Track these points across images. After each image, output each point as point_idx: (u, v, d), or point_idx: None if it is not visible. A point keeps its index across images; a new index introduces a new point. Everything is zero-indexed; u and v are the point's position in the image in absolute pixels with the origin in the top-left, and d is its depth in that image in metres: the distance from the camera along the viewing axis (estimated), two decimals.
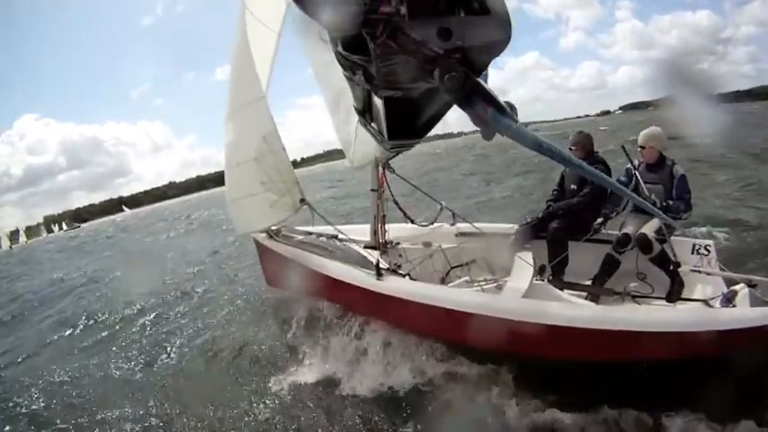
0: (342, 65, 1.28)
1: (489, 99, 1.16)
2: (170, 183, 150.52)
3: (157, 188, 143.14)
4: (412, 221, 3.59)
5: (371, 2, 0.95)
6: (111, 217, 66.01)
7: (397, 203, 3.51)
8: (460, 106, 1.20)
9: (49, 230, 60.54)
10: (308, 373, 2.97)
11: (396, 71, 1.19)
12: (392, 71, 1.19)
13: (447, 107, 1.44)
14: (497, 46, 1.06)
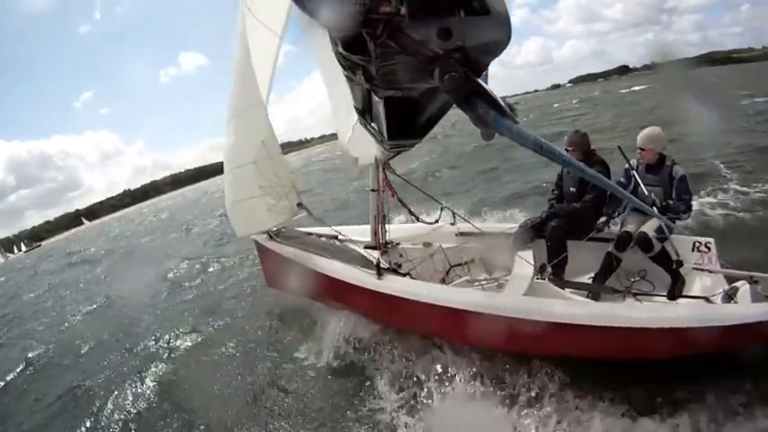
0: (342, 65, 1.27)
1: (489, 99, 1.16)
2: (125, 191, 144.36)
3: (112, 197, 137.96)
4: (417, 219, 3.59)
5: (371, 2, 0.95)
6: (71, 232, 60.34)
7: (402, 202, 3.50)
8: (460, 106, 1.20)
9: (6, 254, 54.68)
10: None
11: (396, 71, 1.18)
12: (392, 71, 1.18)
13: (447, 107, 1.44)
14: (497, 46, 1.06)
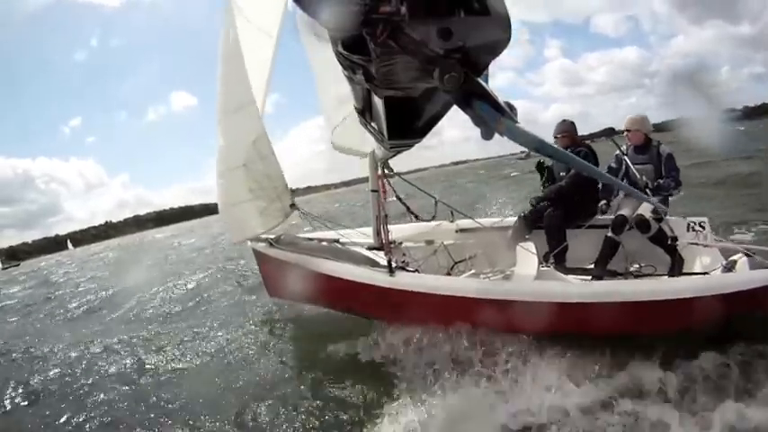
0: (342, 64, 1.26)
1: (489, 99, 1.17)
2: (107, 222, 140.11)
3: (95, 227, 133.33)
4: (417, 217, 3.51)
5: (371, 2, 0.94)
6: (55, 255, 52.42)
7: (400, 199, 3.41)
8: (460, 106, 1.20)
9: None
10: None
11: (396, 71, 1.18)
12: (392, 71, 1.18)
13: (447, 107, 1.43)
14: (498, 46, 1.07)
